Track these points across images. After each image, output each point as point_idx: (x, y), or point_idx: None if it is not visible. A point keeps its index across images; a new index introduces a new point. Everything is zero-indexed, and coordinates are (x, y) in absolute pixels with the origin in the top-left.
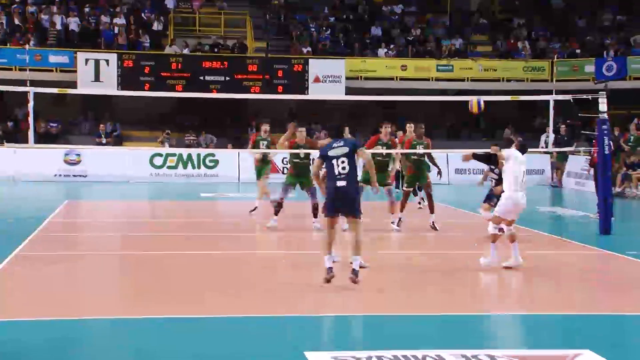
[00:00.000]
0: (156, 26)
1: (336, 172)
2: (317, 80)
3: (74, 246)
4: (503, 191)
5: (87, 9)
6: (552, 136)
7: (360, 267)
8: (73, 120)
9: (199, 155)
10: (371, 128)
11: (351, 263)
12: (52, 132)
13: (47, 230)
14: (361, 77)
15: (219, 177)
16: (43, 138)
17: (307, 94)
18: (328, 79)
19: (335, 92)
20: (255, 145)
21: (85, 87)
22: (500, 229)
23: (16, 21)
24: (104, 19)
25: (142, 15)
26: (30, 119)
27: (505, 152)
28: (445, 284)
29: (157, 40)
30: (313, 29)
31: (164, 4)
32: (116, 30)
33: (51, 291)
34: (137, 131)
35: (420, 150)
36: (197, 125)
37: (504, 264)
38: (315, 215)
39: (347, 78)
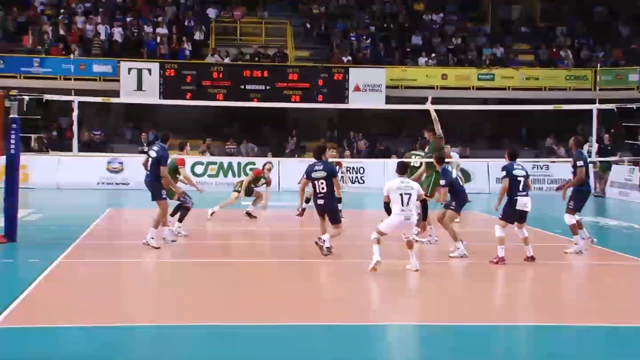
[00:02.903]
0: (198, 36)
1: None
2: (357, 89)
3: (117, 253)
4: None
5: (130, 19)
6: (595, 146)
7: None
8: (116, 128)
9: (239, 163)
10: (411, 137)
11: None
12: (96, 140)
13: (90, 238)
14: (401, 86)
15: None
16: (86, 147)
17: (347, 102)
18: (368, 87)
19: (375, 101)
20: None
21: (128, 96)
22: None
23: (61, 31)
24: (147, 28)
25: (184, 25)
26: (75, 128)
27: (383, 190)
28: (492, 294)
29: (199, 49)
30: (353, 38)
31: (205, 14)
32: (158, 39)
33: (94, 298)
34: (178, 139)
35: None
36: (237, 134)
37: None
38: (180, 220)
39: (387, 87)
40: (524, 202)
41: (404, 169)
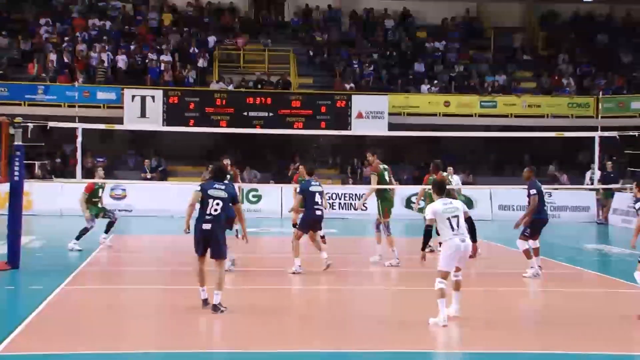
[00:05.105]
0: (201, 63)
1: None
2: (360, 116)
3: (119, 280)
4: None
5: (133, 47)
6: (597, 173)
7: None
8: (119, 155)
9: (242, 190)
10: (414, 164)
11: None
12: (99, 167)
13: (92, 264)
14: (404, 112)
15: (262, 212)
16: (90, 173)
17: (350, 129)
18: (371, 114)
19: (378, 128)
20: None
21: (132, 123)
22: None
23: (65, 59)
24: (151, 56)
25: (188, 52)
26: (79, 155)
27: (426, 215)
28: (492, 321)
29: (203, 76)
30: (356, 65)
31: (208, 42)
32: (162, 67)
33: (97, 325)
34: (181, 166)
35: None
36: (240, 161)
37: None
38: (107, 232)
39: (390, 114)
40: None
41: (442, 189)
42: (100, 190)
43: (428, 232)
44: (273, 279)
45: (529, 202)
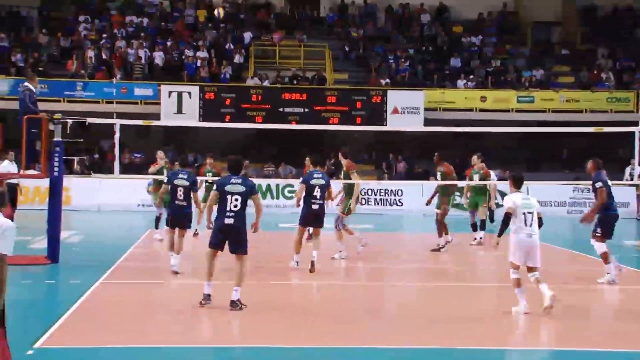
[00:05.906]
0: (237, 59)
1: (227, 209)
2: (395, 111)
3: (156, 275)
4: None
5: (170, 43)
6: (637, 168)
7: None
8: (156, 151)
9: (277, 185)
10: (449, 160)
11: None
12: (136, 162)
13: (130, 260)
14: (440, 108)
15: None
16: (127, 169)
17: (386, 125)
18: (406, 110)
19: (413, 123)
20: None
21: (168, 119)
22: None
23: (104, 56)
24: (188, 52)
25: (224, 48)
26: (116, 150)
27: (506, 203)
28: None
29: (238, 72)
30: (392, 61)
31: (244, 37)
32: (199, 63)
33: (134, 319)
34: (217, 162)
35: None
36: (276, 156)
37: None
38: (156, 227)
39: (425, 109)
40: None
41: (520, 183)
42: (165, 170)
43: (507, 219)
44: (298, 273)
45: (595, 197)
